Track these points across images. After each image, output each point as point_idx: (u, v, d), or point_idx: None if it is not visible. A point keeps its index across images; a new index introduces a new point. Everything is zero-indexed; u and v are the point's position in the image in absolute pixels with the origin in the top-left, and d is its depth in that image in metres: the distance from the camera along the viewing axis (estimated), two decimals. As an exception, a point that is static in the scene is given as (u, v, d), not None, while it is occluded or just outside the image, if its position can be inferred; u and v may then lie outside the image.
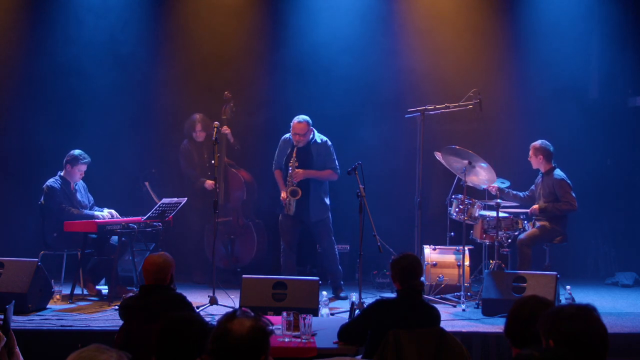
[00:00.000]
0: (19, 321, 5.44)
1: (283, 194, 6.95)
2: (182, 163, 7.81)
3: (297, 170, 6.84)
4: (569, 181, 6.90)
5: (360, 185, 6.04)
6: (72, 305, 6.35)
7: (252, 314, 2.52)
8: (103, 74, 8.11)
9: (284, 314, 4.28)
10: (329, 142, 7.03)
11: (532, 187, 7.15)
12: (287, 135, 7.06)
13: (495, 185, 6.97)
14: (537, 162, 7.00)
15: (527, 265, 6.68)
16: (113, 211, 6.98)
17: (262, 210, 8.03)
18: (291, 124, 6.91)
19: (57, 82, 8.09)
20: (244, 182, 7.77)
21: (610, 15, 8.17)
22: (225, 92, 7.67)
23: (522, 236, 6.76)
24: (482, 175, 6.82)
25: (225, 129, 7.63)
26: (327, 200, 7.06)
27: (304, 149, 6.90)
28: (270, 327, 2.53)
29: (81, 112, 8.02)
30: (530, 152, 7.01)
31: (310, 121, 6.91)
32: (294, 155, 6.84)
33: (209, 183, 7.53)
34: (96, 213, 6.88)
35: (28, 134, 8.13)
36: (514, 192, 7.13)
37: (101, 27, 8.11)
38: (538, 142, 6.98)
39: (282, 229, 7.10)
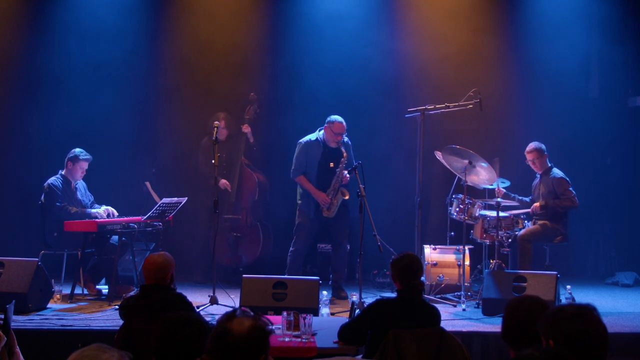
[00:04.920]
0: (19, 321, 5.44)
1: (327, 197, 6.91)
2: (200, 158, 7.80)
3: (344, 171, 6.86)
4: (567, 178, 6.90)
5: (361, 185, 6.05)
6: (73, 305, 6.35)
7: (252, 313, 2.52)
8: (103, 75, 8.13)
9: (284, 313, 4.27)
10: (349, 140, 7.08)
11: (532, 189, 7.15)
12: (312, 137, 7.05)
13: (502, 190, 6.96)
14: (542, 164, 6.96)
15: (528, 260, 6.67)
16: (110, 208, 6.97)
17: (270, 213, 8.01)
18: (330, 125, 6.88)
19: (57, 84, 8.08)
20: (258, 182, 7.77)
21: (610, 15, 8.16)
22: (252, 93, 7.77)
23: (522, 232, 6.76)
24: (483, 175, 6.81)
25: (246, 128, 7.68)
26: None
27: (338, 150, 6.91)
28: (270, 327, 2.53)
29: (81, 112, 8.01)
30: (532, 157, 6.95)
31: None
32: (345, 155, 6.84)
33: (223, 182, 7.56)
34: (92, 211, 6.88)
35: (28, 134, 8.12)
36: (520, 198, 7.11)
37: (100, 30, 8.10)
38: (537, 145, 6.93)
39: (303, 230, 7.07)
